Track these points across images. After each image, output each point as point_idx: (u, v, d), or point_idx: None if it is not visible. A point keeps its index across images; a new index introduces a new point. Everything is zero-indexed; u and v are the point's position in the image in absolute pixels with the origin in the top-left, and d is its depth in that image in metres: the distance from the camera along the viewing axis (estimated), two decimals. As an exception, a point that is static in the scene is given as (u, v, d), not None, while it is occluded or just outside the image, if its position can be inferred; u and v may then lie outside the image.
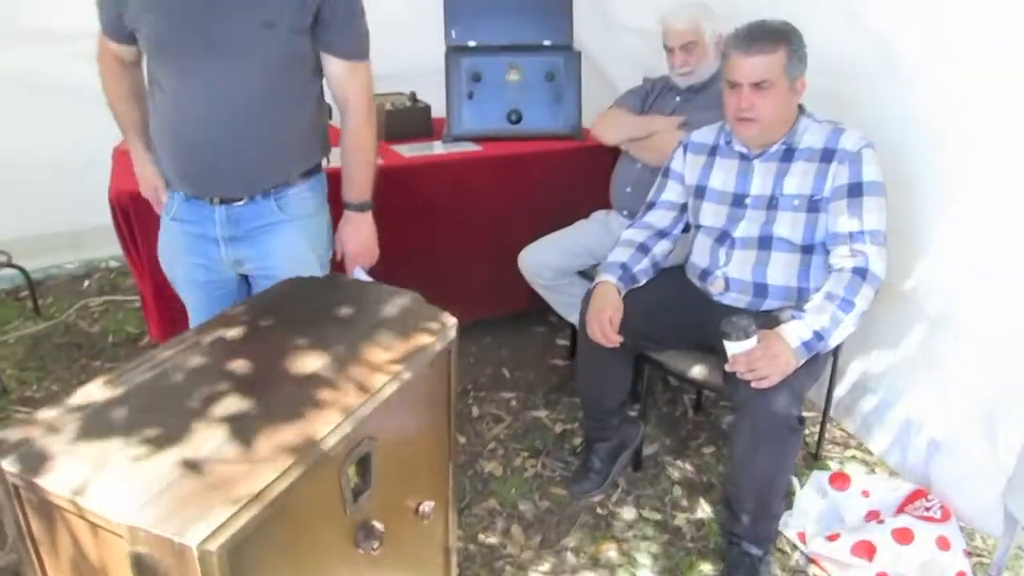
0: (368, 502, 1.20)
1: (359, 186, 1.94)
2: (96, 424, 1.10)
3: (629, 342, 2.18)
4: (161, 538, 0.90)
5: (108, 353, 3.18)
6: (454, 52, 3.14)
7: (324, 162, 2.02)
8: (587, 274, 2.79)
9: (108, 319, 3.42)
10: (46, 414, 1.12)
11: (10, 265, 3.37)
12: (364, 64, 1.87)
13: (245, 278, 2.01)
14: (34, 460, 1.02)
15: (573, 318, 2.87)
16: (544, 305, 2.97)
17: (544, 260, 2.77)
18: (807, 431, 2.52)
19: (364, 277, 1.96)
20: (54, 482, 0.99)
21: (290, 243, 1.91)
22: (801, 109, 2.09)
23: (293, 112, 1.83)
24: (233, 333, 1.34)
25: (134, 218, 2.55)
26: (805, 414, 1.97)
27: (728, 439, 2.55)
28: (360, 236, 1.99)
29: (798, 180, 2.04)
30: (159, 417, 1.10)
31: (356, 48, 1.84)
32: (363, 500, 1.18)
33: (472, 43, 3.18)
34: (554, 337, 3.34)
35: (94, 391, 1.17)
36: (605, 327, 2.11)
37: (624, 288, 2.20)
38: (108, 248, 3.79)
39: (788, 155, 2.07)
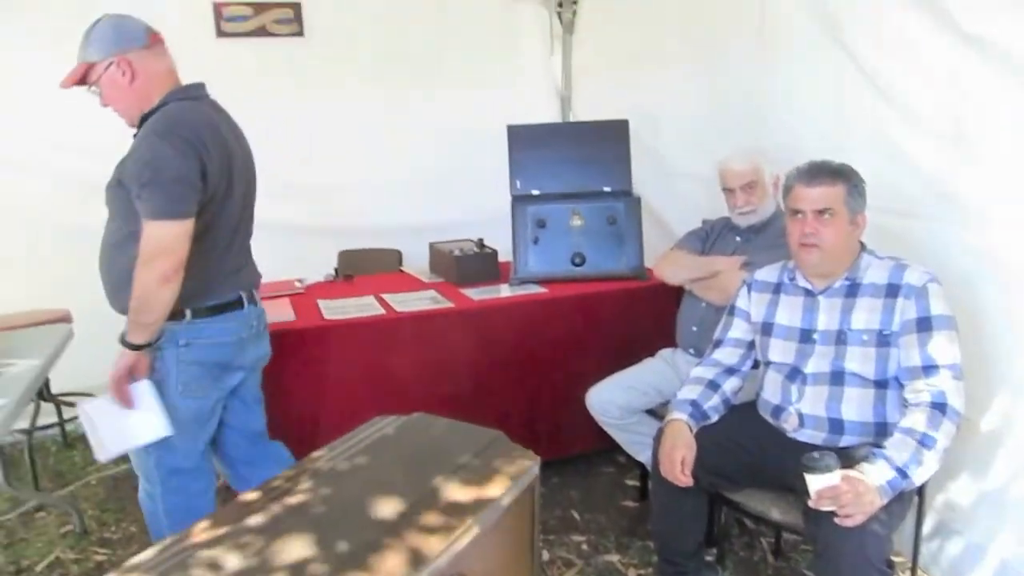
0: (458, 641, 1.20)
1: (128, 322, 2.05)
2: (203, 566, 1.14)
3: (704, 481, 2.16)
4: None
5: (184, 495, 3.24)
6: (519, 200, 3.32)
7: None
8: (655, 412, 2.79)
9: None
10: (151, 555, 1.18)
11: (97, 408, 3.52)
12: (151, 223, 1.97)
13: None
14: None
15: (642, 457, 2.85)
16: (612, 445, 2.96)
17: (611, 398, 2.79)
18: (895, 577, 2.40)
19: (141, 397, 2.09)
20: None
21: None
22: (862, 246, 2.15)
23: (118, 254, 2.09)
24: (326, 474, 1.39)
25: (221, 362, 2.68)
26: (893, 559, 1.89)
27: (812, 585, 2.44)
28: (118, 365, 2.07)
29: (865, 315, 2.07)
30: (260, 561, 1.14)
31: (143, 208, 1.98)
32: (454, 638, 1.18)
33: (536, 192, 3.36)
34: (623, 477, 3.30)
35: (196, 534, 1.22)
36: (677, 466, 2.10)
37: (695, 425, 2.21)
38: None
39: (852, 290, 2.11)
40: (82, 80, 2.12)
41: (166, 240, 1.98)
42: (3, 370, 2.37)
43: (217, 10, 3.77)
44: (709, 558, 2.43)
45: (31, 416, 3.43)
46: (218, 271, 2.20)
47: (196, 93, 2.22)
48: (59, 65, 2.14)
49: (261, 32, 3.86)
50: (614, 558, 2.73)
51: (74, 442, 3.75)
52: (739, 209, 2.73)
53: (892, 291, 2.05)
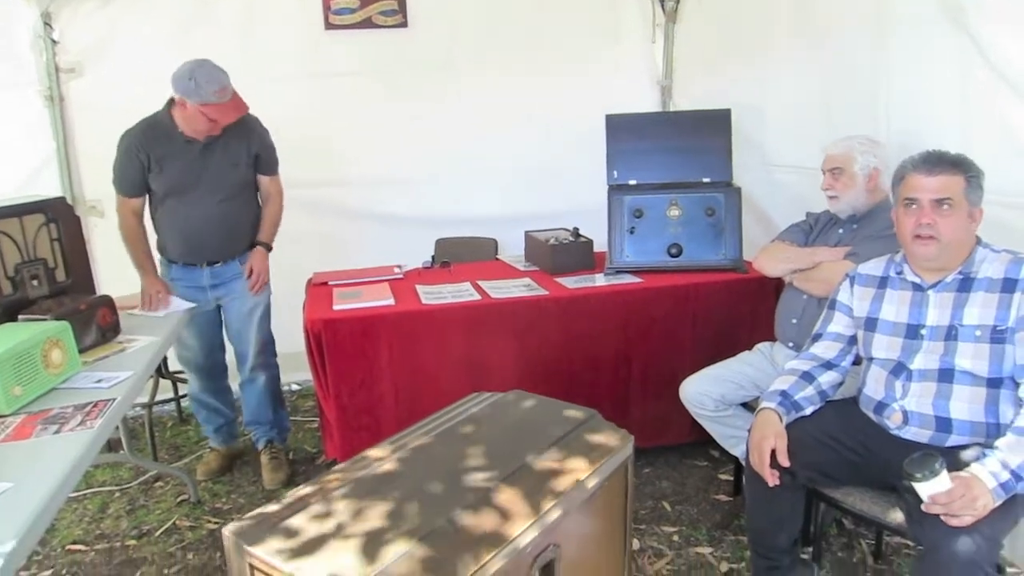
0: (550, 612, 1.23)
1: (268, 235, 3.21)
2: (316, 522, 1.22)
3: (801, 476, 2.11)
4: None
5: (287, 469, 3.41)
6: (616, 190, 3.32)
7: None
8: (751, 406, 2.74)
9: (289, 438, 3.66)
10: (273, 510, 1.26)
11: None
12: (278, 176, 3.20)
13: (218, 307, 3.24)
14: (267, 544, 1.15)
15: (737, 451, 2.80)
16: (706, 438, 2.92)
17: (706, 390, 2.75)
18: (1007, 587, 2.28)
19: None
20: (284, 563, 1.10)
21: (245, 284, 3.15)
22: (977, 239, 2.05)
23: (243, 213, 3.13)
24: (429, 444, 1.45)
25: (325, 343, 2.80)
26: (1008, 569, 1.80)
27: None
28: (264, 263, 3.19)
29: (979, 310, 1.97)
30: (368, 519, 1.21)
31: (274, 169, 3.18)
32: (545, 610, 1.21)
33: (633, 182, 3.35)
34: (717, 471, 3.25)
35: (309, 493, 1.30)
36: (766, 458, 2.06)
37: (785, 414, 2.15)
38: (290, 374, 4.13)
39: (966, 285, 2.01)
40: None
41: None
42: (127, 346, 2.54)
43: (325, 3, 3.90)
44: (804, 556, 2.37)
45: (150, 391, 3.66)
46: None
47: None
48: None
49: (367, 24, 3.97)
50: (705, 551, 2.71)
51: (189, 418, 3.98)
52: (824, 191, 2.71)
53: (1009, 285, 1.94)
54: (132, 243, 3.06)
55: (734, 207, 3.22)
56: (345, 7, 3.93)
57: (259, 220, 3.18)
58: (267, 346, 3.31)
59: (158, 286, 3.04)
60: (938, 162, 1.98)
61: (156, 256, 3.16)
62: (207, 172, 2.99)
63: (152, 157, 2.95)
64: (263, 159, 3.11)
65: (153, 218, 3.11)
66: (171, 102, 2.93)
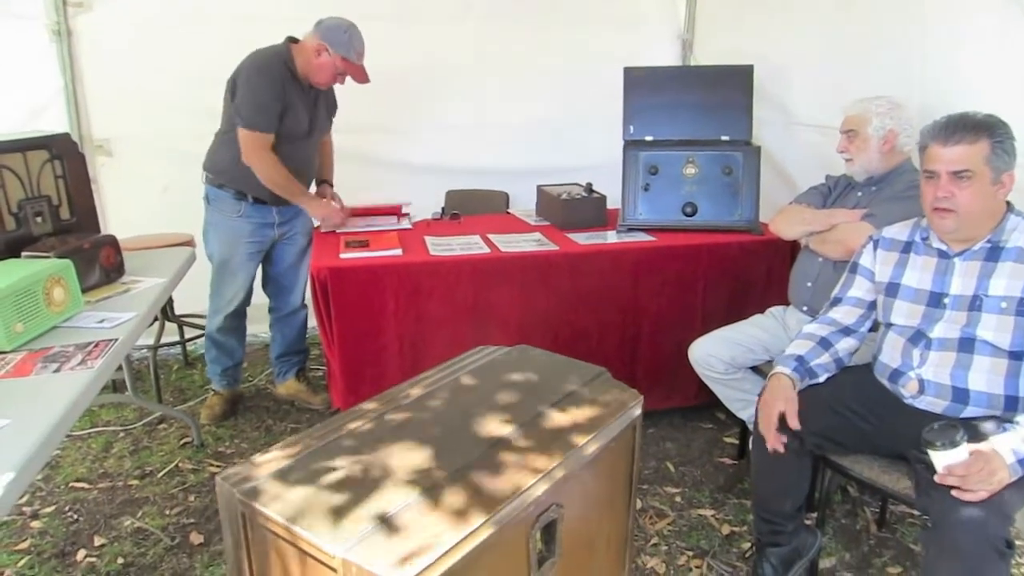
0: (550, 571, 1.20)
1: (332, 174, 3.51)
2: (316, 469, 1.19)
3: (809, 442, 2.08)
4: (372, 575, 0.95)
5: (292, 417, 3.41)
6: (631, 146, 3.23)
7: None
8: (760, 370, 2.70)
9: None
10: (270, 456, 1.23)
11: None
12: None
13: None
14: (261, 493, 1.12)
15: (744, 415, 2.77)
16: (712, 401, 2.90)
17: (716, 352, 2.70)
18: (1015, 562, 2.26)
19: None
20: (276, 512, 1.07)
21: (306, 220, 3.33)
22: (1009, 206, 1.97)
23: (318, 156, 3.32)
24: (433, 397, 1.42)
25: (331, 292, 2.77)
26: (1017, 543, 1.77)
27: (922, 561, 2.33)
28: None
29: (1006, 281, 1.90)
30: (368, 468, 1.18)
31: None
32: (546, 568, 1.18)
33: (649, 137, 3.26)
34: (722, 434, 3.23)
35: (311, 440, 1.27)
36: (772, 418, 2.03)
37: (799, 381, 2.11)
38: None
39: (994, 254, 1.94)
40: None
41: None
42: (130, 287, 2.51)
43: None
44: (808, 522, 2.35)
45: (156, 334, 3.65)
46: None
47: None
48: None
49: (379, -33, 3.84)
50: (708, 513, 2.69)
51: (194, 361, 3.98)
52: (840, 154, 2.65)
53: (1040, 256, 1.88)
54: (286, 179, 3.02)
55: (752, 167, 3.14)
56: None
57: None
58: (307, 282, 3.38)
59: (329, 206, 3.31)
60: (957, 129, 1.88)
61: (211, 189, 3.13)
62: (316, 121, 3.13)
63: (287, 98, 2.94)
64: (331, 117, 3.32)
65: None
66: (290, 42, 2.98)
